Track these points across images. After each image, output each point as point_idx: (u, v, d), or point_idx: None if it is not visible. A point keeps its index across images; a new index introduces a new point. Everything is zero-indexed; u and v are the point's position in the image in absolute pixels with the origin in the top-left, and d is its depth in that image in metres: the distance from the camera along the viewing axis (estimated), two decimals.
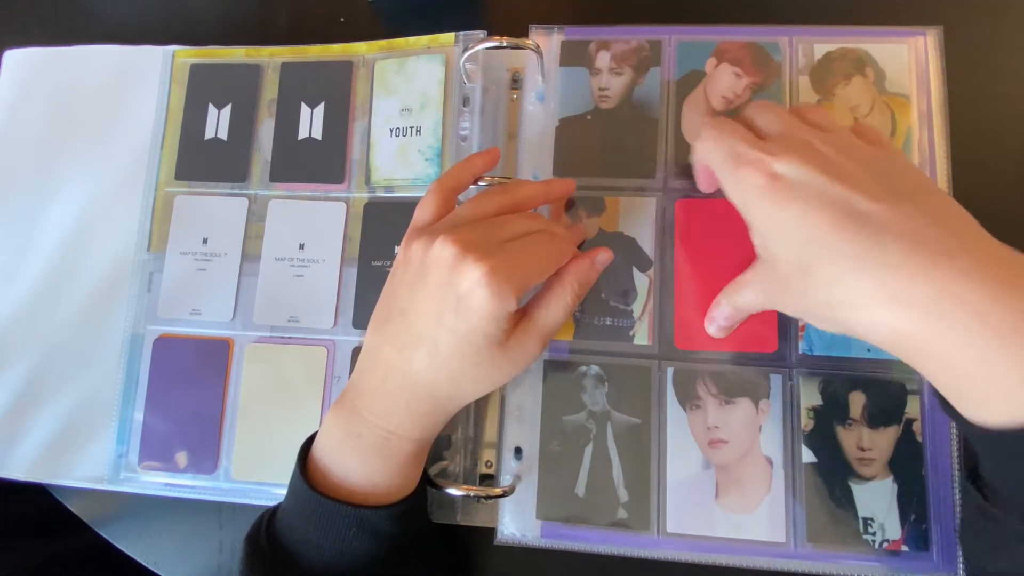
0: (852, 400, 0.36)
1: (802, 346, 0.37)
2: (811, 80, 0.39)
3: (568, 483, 0.37)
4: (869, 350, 0.36)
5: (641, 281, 0.38)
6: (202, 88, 0.45)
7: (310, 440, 0.35)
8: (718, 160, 0.32)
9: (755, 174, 0.29)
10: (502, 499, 0.37)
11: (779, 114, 0.32)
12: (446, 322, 0.31)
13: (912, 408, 0.35)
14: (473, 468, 0.38)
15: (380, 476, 0.33)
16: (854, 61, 0.39)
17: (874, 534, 0.34)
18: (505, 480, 0.37)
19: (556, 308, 0.34)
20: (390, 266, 0.41)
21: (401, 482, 0.33)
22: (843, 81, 0.39)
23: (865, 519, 0.35)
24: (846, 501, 0.35)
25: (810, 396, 0.36)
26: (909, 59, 0.39)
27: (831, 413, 0.36)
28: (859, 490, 0.35)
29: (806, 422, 0.36)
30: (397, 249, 0.41)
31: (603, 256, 0.36)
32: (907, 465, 0.35)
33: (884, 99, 0.39)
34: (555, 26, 0.42)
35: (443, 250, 0.31)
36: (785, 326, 0.37)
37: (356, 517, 0.31)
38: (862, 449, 0.35)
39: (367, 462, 0.32)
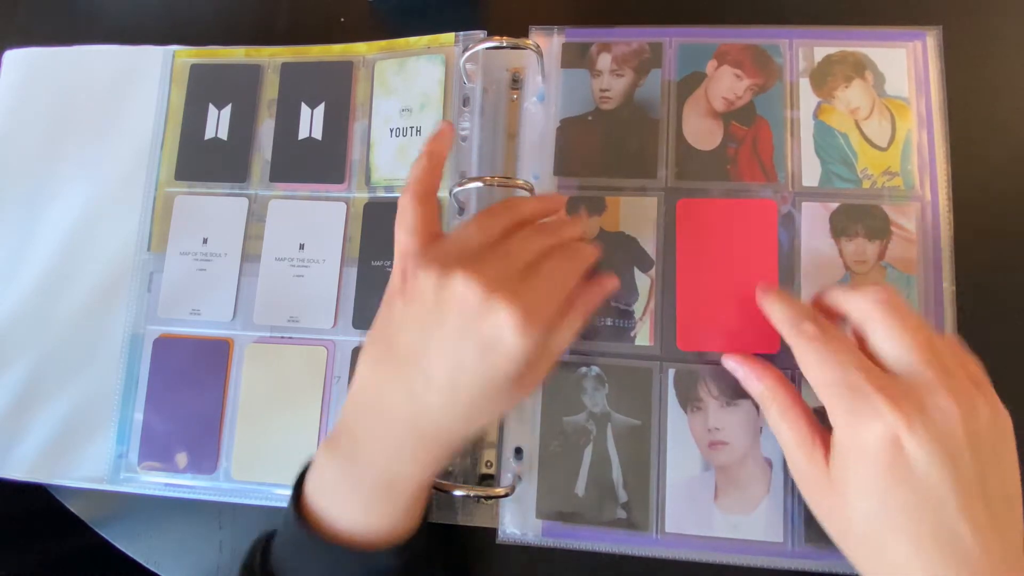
0: None
1: None
2: (811, 82, 0.39)
3: (568, 482, 0.37)
4: None
5: (643, 281, 0.38)
6: (202, 88, 0.45)
7: (303, 472, 0.33)
8: (827, 383, 0.29)
9: (879, 433, 0.27)
10: (503, 499, 0.37)
11: (913, 343, 0.29)
12: (468, 366, 0.29)
13: None
14: (473, 468, 0.38)
15: (384, 520, 0.31)
16: (853, 64, 0.39)
17: None
18: (506, 480, 0.37)
19: (567, 333, 0.32)
20: (390, 266, 0.41)
21: (406, 523, 0.32)
22: (843, 84, 0.39)
23: None
24: None
25: (811, 398, 0.36)
26: (907, 63, 0.39)
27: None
28: None
29: None
30: None
31: (612, 284, 0.35)
32: None
33: (884, 102, 0.39)
34: (555, 27, 0.42)
35: (466, 290, 0.28)
36: None
37: (360, 560, 0.30)
38: None
39: (369, 508, 0.31)
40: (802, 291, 0.37)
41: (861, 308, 0.30)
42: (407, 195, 0.32)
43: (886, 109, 0.39)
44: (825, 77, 0.40)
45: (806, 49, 0.40)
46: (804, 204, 0.38)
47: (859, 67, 0.39)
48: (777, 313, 0.33)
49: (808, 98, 0.39)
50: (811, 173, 0.38)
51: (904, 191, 0.38)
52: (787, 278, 0.37)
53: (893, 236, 0.37)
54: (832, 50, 0.40)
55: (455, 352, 0.29)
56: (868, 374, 0.28)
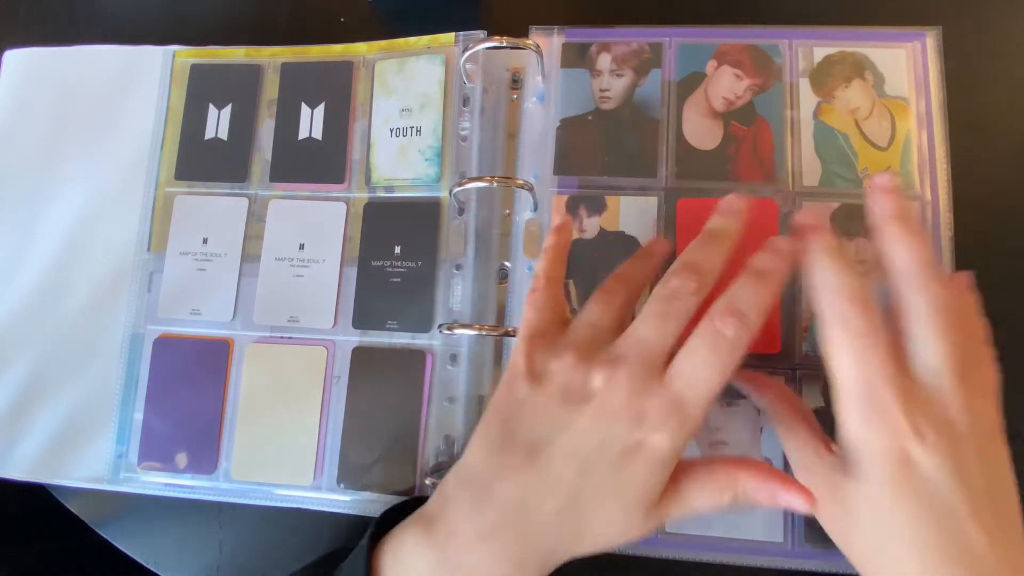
0: None
1: (805, 347, 0.37)
2: (811, 83, 0.39)
3: None
4: None
5: None
6: (202, 88, 0.45)
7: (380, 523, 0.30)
8: (849, 382, 0.28)
9: (889, 447, 0.27)
10: None
11: (948, 360, 0.28)
12: (599, 472, 0.26)
13: None
14: None
15: None
16: (853, 64, 0.39)
17: None
18: None
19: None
20: (390, 266, 0.41)
21: None
22: (843, 84, 0.39)
23: None
24: None
25: (812, 398, 0.36)
26: (907, 63, 0.39)
27: (833, 416, 0.36)
28: None
29: None
30: (398, 249, 0.41)
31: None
32: None
33: (883, 102, 0.39)
34: (555, 27, 0.42)
35: (608, 390, 0.26)
36: (789, 327, 0.37)
37: None
38: None
39: None
40: (803, 291, 0.37)
41: (920, 308, 0.28)
42: (539, 278, 0.32)
43: (886, 109, 0.39)
44: (825, 77, 0.40)
45: (806, 49, 0.40)
46: (805, 204, 0.38)
47: (859, 67, 0.39)
48: (828, 279, 0.29)
49: (808, 98, 0.39)
50: (811, 173, 0.38)
51: (904, 191, 0.38)
52: (788, 278, 0.37)
53: None
54: (832, 50, 0.40)
55: (587, 456, 0.26)
56: (892, 384, 0.27)
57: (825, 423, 0.35)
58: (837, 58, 0.40)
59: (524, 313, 0.31)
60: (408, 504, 0.33)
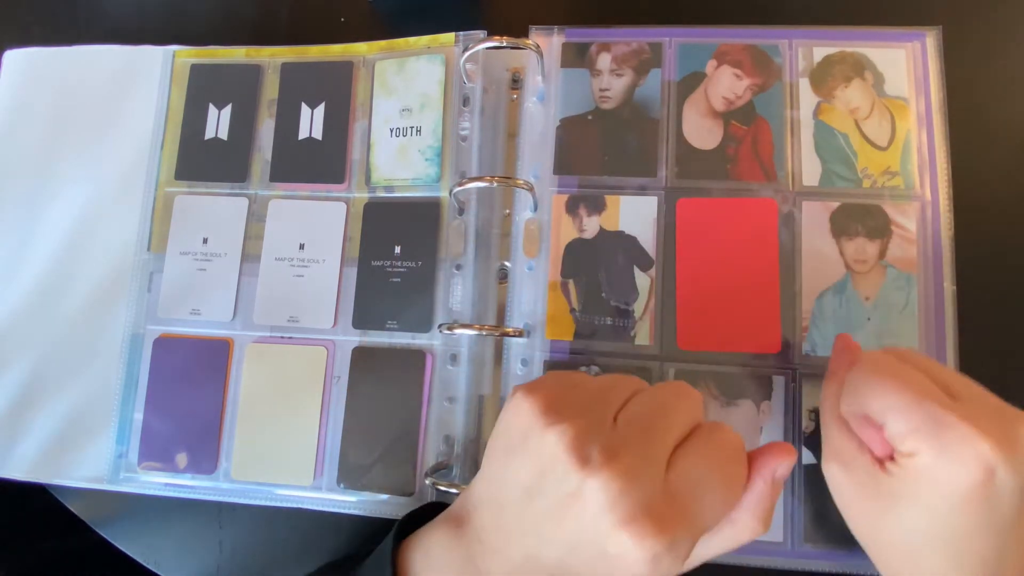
0: None
1: (805, 347, 0.37)
2: (811, 82, 0.39)
3: None
4: None
5: (642, 280, 0.38)
6: (202, 88, 0.45)
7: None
8: (914, 420, 0.27)
9: (975, 464, 0.25)
10: None
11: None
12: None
13: None
14: (473, 468, 0.38)
15: None
16: (853, 64, 0.39)
17: None
18: None
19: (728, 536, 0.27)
20: (390, 266, 0.41)
21: None
22: (843, 84, 0.39)
23: None
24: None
25: (812, 397, 0.36)
26: (907, 63, 0.39)
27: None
28: None
29: (807, 424, 0.36)
30: (398, 249, 0.41)
31: (788, 459, 0.27)
32: None
33: (883, 102, 0.39)
34: (555, 27, 0.42)
35: (599, 507, 0.23)
36: (789, 327, 0.37)
37: None
38: None
39: None
40: (803, 290, 0.37)
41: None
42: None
43: (886, 109, 0.39)
44: (825, 77, 0.40)
45: (805, 49, 0.40)
46: (804, 203, 0.38)
47: (858, 67, 0.39)
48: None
49: (808, 98, 0.39)
50: (811, 172, 0.38)
51: (904, 191, 0.38)
52: (788, 277, 0.37)
53: (893, 235, 0.37)
54: (831, 50, 0.40)
55: (568, 551, 0.24)
56: (951, 409, 0.27)
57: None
58: (837, 58, 0.40)
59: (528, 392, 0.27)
60: (427, 509, 0.33)
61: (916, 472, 0.27)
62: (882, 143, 0.38)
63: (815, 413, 0.36)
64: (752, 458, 0.27)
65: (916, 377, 0.28)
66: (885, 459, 0.29)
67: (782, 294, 0.37)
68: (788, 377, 0.36)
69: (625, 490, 0.23)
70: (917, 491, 0.27)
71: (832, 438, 0.31)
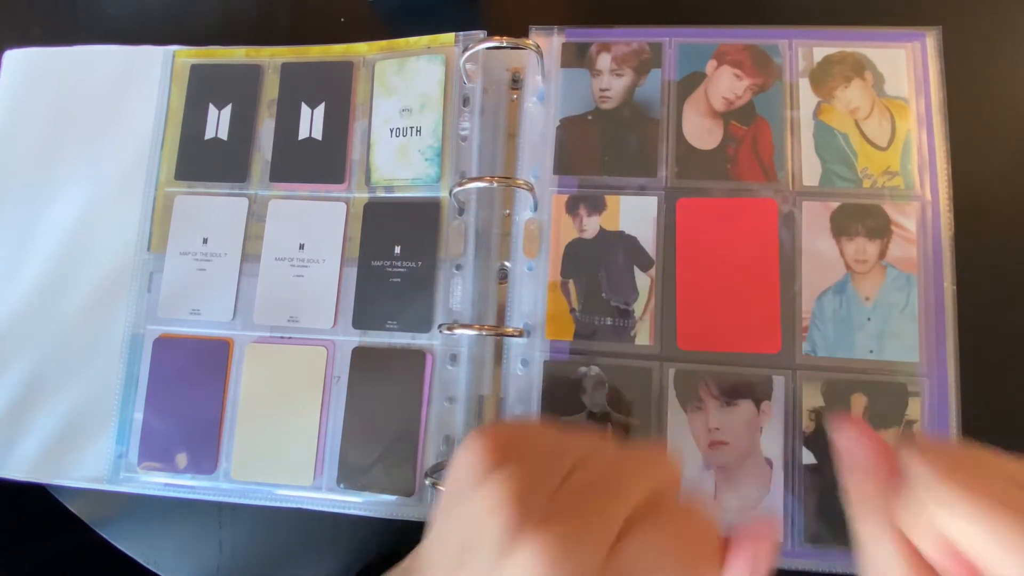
0: (854, 402, 0.36)
1: (805, 347, 0.37)
2: (811, 82, 0.39)
3: None
4: (872, 351, 0.36)
5: (642, 280, 0.38)
6: (202, 88, 0.45)
7: None
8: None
9: None
10: None
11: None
12: None
13: (913, 410, 0.35)
14: None
15: None
16: (853, 64, 0.39)
17: None
18: None
19: None
20: (390, 266, 0.41)
21: None
22: (843, 84, 0.39)
23: None
24: (846, 502, 0.35)
25: (812, 397, 0.36)
26: (907, 63, 0.39)
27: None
28: None
29: (807, 424, 0.36)
30: (398, 249, 0.41)
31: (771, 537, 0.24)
32: None
33: (883, 102, 0.39)
34: (555, 27, 0.42)
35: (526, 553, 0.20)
36: (789, 327, 0.37)
37: None
38: None
39: None
40: (803, 290, 0.37)
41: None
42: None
43: (886, 109, 0.39)
44: (825, 77, 0.40)
45: (805, 49, 0.40)
46: (805, 203, 0.38)
47: (858, 67, 0.39)
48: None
49: (808, 98, 0.39)
50: (811, 172, 0.38)
51: (904, 191, 0.38)
52: (788, 277, 0.37)
53: (893, 235, 0.37)
54: (831, 50, 0.40)
55: None
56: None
57: (823, 420, 0.36)
58: (837, 58, 0.40)
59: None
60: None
61: None
62: (882, 143, 0.38)
63: (815, 413, 0.36)
64: (729, 543, 0.24)
65: (1008, 490, 0.22)
66: None
67: (782, 294, 0.37)
68: (788, 377, 0.36)
69: (559, 560, 0.20)
70: None
71: (886, 558, 0.24)
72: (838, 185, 0.38)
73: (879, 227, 0.37)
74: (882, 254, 0.37)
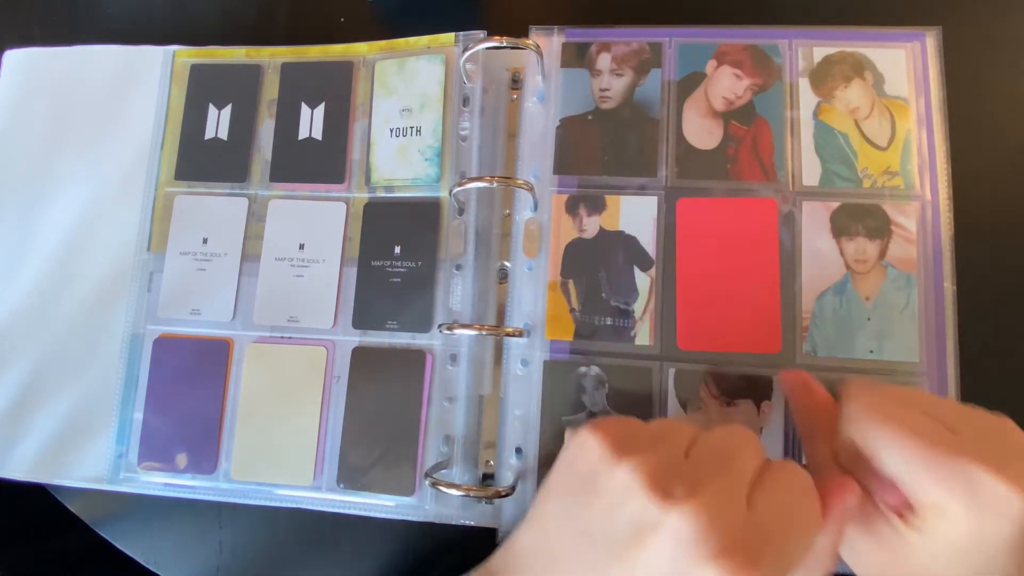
0: None
1: (805, 347, 0.37)
2: (811, 82, 0.39)
3: None
4: (872, 351, 0.36)
5: (642, 280, 0.38)
6: (202, 88, 0.45)
7: None
8: (939, 474, 0.25)
9: (1014, 518, 0.24)
10: (502, 499, 0.37)
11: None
12: None
13: None
14: (473, 468, 0.38)
15: None
16: (853, 64, 0.39)
17: None
18: (505, 480, 0.37)
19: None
20: (390, 266, 0.41)
21: None
22: (843, 84, 0.39)
23: None
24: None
25: None
26: (906, 63, 0.39)
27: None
28: None
29: None
30: (398, 249, 0.41)
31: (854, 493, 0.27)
32: None
33: (883, 102, 0.39)
34: (555, 27, 0.42)
35: (679, 546, 0.23)
36: (789, 327, 0.37)
37: None
38: None
39: None
40: (803, 290, 0.37)
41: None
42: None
43: (886, 109, 0.39)
44: (824, 77, 0.40)
45: (805, 49, 0.40)
46: (805, 203, 0.38)
47: (858, 67, 0.39)
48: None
49: (808, 98, 0.39)
50: (811, 172, 0.38)
51: (904, 190, 0.38)
52: (788, 277, 0.37)
53: (893, 235, 0.37)
54: (831, 50, 0.40)
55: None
56: (961, 448, 0.25)
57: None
58: (837, 58, 0.40)
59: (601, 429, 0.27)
60: None
61: (949, 525, 0.26)
62: (882, 143, 0.38)
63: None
64: (821, 496, 0.26)
65: (920, 421, 0.27)
66: (900, 512, 0.27)
67: (782, 294, 0.37)
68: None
69: (713, 523, 0.23)
70: (951, 543, 0.26)
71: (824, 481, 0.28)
72: (838, 185, 0.38)
73: (879, 227, 0.37)
74: (882, 254, 0.37)
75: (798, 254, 0.37)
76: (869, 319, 0.37)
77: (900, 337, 0.36)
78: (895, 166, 0.38)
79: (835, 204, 0.38)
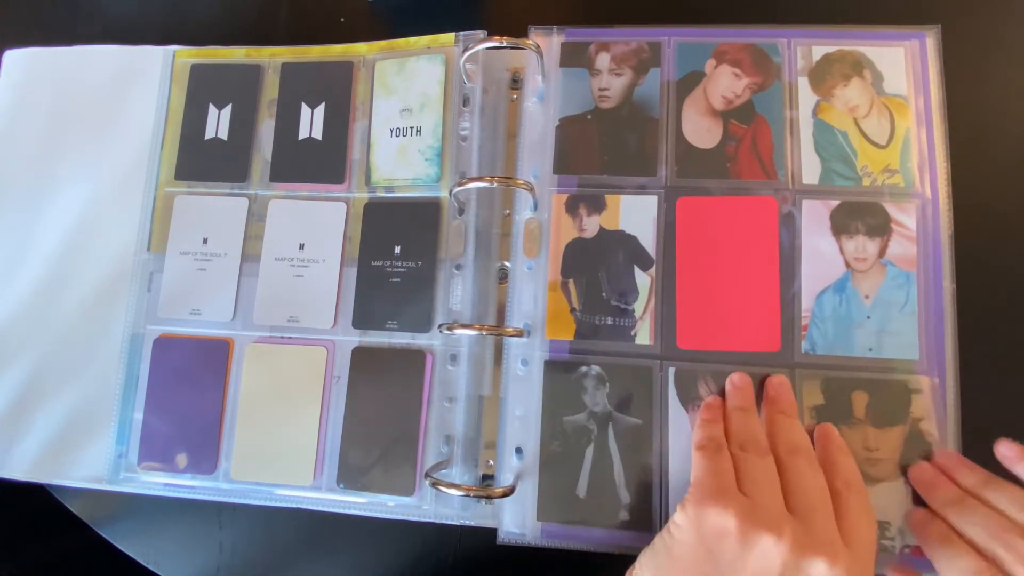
0: (855, 400, 0.36)
1: (804, 345, 0.37)
2: (810, 81, 0.40)
3: (569, 484, 0.37)
4: (871, 349, 0.36)
5: (642, 280, 0.38)
6: (202, 88, 0.45)
7: None
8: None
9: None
10: (502, 499, 0.37)
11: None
12: None
13: (918, 408, 0.35)
14: (473, 468, 0.38)
15: None
16: (852, 63, 0.40)
17: (892, 539, 0.35)
18: (505, 480, 0.37)
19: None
20: (390, 266, 0.41)
21: None
22: (842, 82, 0.39)
23: (881, 523, 0.35)
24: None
25: (812, 395, 0.36)
26: (905, 61, 0.39)
27: (834, 412, 0.36)
28: (871, 492, 0.34)
29: (808, 421, 0.36)
30: (398, 249, 0.41)
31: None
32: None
33: (883, 100, 0.39)
34: (554, 27, 0.42)
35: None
36: (788, 325, 0.37)
37: None
38: (868, 449, 0.35)
39: None
40: (803, 289, 0.37)
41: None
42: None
43: (885, 107, 0.39)
44: (824, 76, 0.40)
45: (804, 48, 0.40)
46: (804, 202, 0.38)
47: (857, 66, 0.39)
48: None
49: (807, 96, 0.39)
50: (811, 171, 0.38)
51: (904, 188, 0.38)
52: (788, 276, 0.37)
53: (893, 233, 0.37)
54: (830, 49, 0.40)
55: None
56: None
57: (823, 418, 0.36)
58: (836, 57, 0.40)
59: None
60: None
61: None
62: (881, 141, 0.38)
63: (816, 411, 0.36)
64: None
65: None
66: None
67: (782, 293, 0.37)
68: (787, 375, 0.36)
69: (834, 556, 0.29)
70: None
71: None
72: (838, 183, 0.38)
73: (879, 225, 0.37)
74: (882, 252, 0.37)
75: (798, 253, 0.38)
76: (869, 317, 0.37)
77: (900, 335, 0.36)
78: (895, 164, 0.38)
79: (835, 202, 0.38)
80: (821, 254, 0.37)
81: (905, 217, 0.37)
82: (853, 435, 0.35)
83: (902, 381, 0.36)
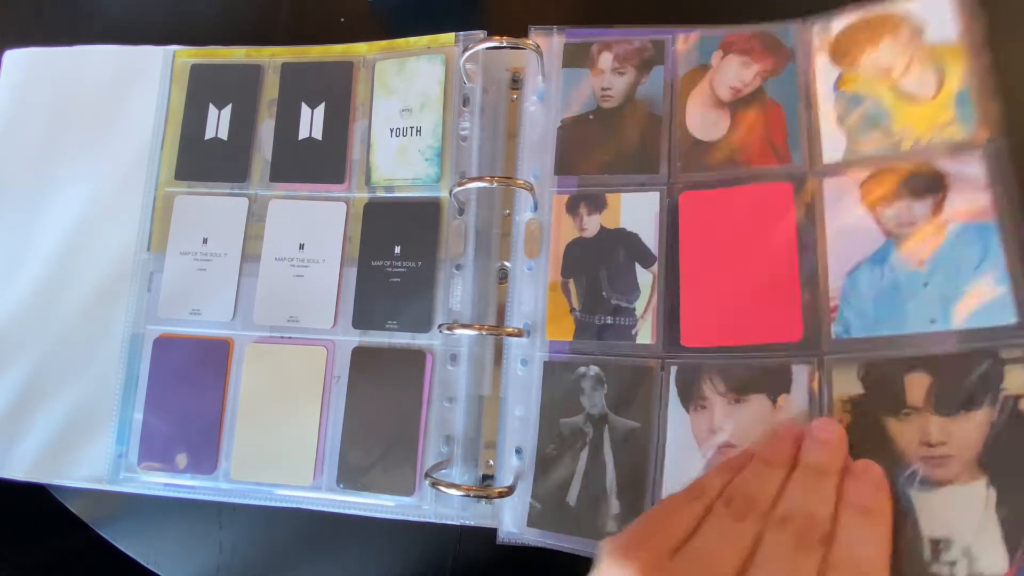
0: (910, 384, 0.31)
1: (836, 329, 0.33)
2: (830, 55, 0.37)
3: (560, 491, 0.36)
4: (934, 320, 0.31)
5: (644, 278, 0.38)
6: (202, 88, 0.45)
7: None
8: None
9: None
10: (502, 499, 0.37)
11: None
12: None
13: (1013, 382, 0.29)
14: (473, 468, 0.38)
15: None
16: (879, 25, 0.36)
17: (953, 563, 0.28)
18: (505, 480, 0.37)
19: None
20: (390, 266, 0.41)
21: None
22: (870, 48, 0.36)
23: (935, 541, 0.28)
24: (902, 515, 0.29)
25: (846, 385, 0.32)
26: (951, 3, 0.35)
27: (878, 403, 0.31)
28: (925, 500, 0.29)
29: (841, 415, 0.32)
30: (398, 249, 0.41)
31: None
32: (1013, 461, 0.28)
33: (926, 50, 0.35)
34: (555, 27, 0.42)
35: None
36: (811, 311, 0.34)
37: None
38: (930, 445, 0.29)
39: None
40: (828, 270, 0.34)
41: None
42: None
43: (929, 60, 0.35)
44: (847, 46, 0.37)
45: (821, 25, 0.38)
46: (826, 180, 0.35)
47: (887, 25, 0.36)
48: None
49: (826, 70, 0.37)
50: (835, 147, 0.36)
51: (961, 137, 0.33)
52: (808, 259, 0.35)
53: (950, 188, 0.33)
54: (853, 18, 0.37)
55: None
56: None
57: (862, 410, 0.32)
58: (859, 24, 0.37)
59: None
60: None
61: None
62: (927, 93, 0.35)
63: (851, 403, 0.32)
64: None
65: None
66: None
67: (802, 278, 0.35)
68: (813, 366, 0.33)
69: None
70: None
71: None
72: (868, 154, 0.35)
73: (929, 184, 0.33)
74: (936, 210, 0.33)
75: (820, 234, 0.35)
76: (926, 285, 0.32)
77: (981, 297, 0.31)
78: (945, 115, 0.34)
79: (865, 173, 0.35)
80: (850, 230, 0.34)
81: (964, 167, 0.33)
82: (906, 429, 0.30)
83: (990, 351, 0.30)
